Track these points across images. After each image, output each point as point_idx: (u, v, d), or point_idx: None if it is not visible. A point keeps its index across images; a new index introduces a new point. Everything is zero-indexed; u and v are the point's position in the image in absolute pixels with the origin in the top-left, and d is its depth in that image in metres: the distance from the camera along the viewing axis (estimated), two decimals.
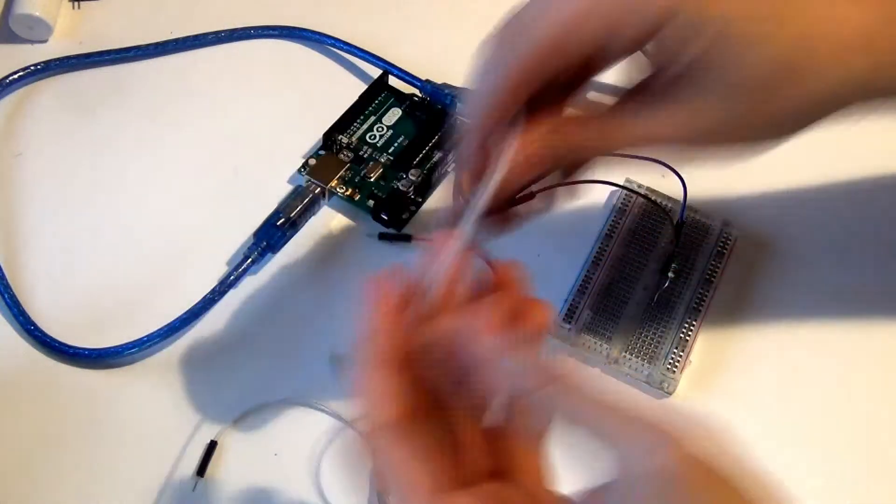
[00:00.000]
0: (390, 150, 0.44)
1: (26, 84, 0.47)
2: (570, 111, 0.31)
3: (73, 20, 0.50)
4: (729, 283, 0.41)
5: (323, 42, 0.49)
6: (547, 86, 0.29)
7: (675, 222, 0.40)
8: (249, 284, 0.41)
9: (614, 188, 0.43)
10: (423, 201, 0.44)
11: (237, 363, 0.39)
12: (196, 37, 0.49)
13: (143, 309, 0.40)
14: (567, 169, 0.32)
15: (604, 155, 0.31)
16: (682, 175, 0.40)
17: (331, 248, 0.42)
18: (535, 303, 0.28)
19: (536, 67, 0.29)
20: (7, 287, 0.40)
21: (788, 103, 0.27)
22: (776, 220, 0.43)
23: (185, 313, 0.39)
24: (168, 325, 0.39)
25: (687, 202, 0.40)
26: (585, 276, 0.40)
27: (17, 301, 0.40)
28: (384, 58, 0.47)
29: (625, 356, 0.38)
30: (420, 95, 0.46)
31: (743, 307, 0.40)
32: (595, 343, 0.39)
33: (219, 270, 0.41)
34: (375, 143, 0.45)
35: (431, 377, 0.27)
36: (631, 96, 0.30)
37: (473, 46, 0.52)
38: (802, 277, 0.41)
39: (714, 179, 0.39)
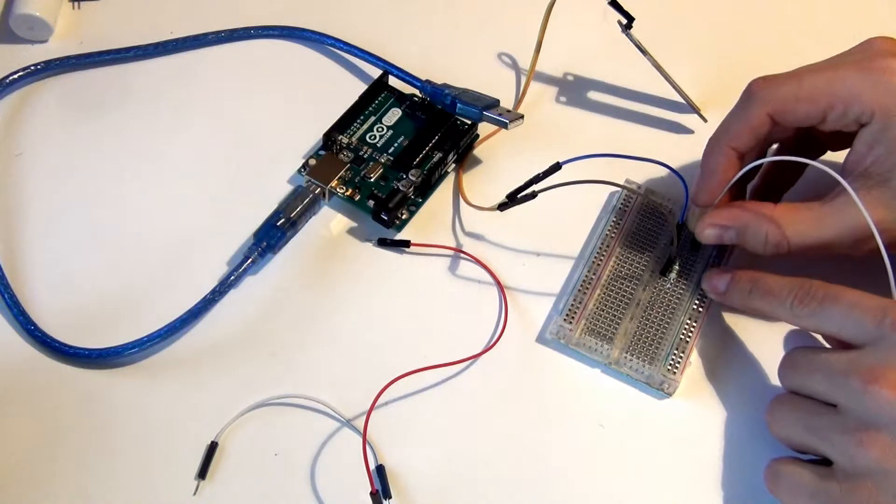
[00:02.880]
0: (390, 151, 0.44)
1: (26, 84, 0.47)
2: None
3: (73, 20, 0.50)
4: None
5: (323, 42, 0.49)
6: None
7: (675, 222, 0.40)
8: (249, 284, 0.41)
9: (614, 190, 0.43)
10: (423, 201, 0.44)
11: (237, 363, 0.39)
12: (196, 37, 0.49)
13: (143, 309, 0.40)
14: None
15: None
16: (683, 176, 0.40)
17: (331, 248, 0.42)
18: None
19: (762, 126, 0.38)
20: (7, 287, 0.40)
21: None
22: None
23: (185, 313, 0.39)
24: (168, 325, 0.39)
25: (687, 202, 0.40)
26: (585, 276, 0.40)
27: (17, 301, 0.40)
28: (384, 58, 0.47)
29: (625, 356, 0.38)
30: (420, 95, 0.46)
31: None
32: (595, 343, 0.39)
33: (219, 270, 0.41)
34: (375, 144, 0.45)
35: None
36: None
37: (473, 46, 0.52)
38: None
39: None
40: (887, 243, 0.35)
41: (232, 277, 0.40)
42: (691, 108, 0.46)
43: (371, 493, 0.35)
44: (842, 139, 0.37)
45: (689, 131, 0.46)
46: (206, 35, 0.49)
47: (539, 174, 0.38)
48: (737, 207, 0.38)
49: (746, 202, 0.39)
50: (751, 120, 0.38)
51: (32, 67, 0.47)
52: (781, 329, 0.39)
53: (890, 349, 0.32)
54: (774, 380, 0.38)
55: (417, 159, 0.43)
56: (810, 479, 0.33)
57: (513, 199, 0.39)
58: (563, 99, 0.48)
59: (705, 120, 0.46)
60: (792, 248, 0.37)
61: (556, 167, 0.38)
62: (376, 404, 0.37)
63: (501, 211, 0.39)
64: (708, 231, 0.39)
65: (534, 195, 0.39)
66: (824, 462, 0.33)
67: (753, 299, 0.37)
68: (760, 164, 0.39)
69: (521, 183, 0.38)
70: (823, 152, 0.41)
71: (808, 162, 0.37)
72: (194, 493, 0.36)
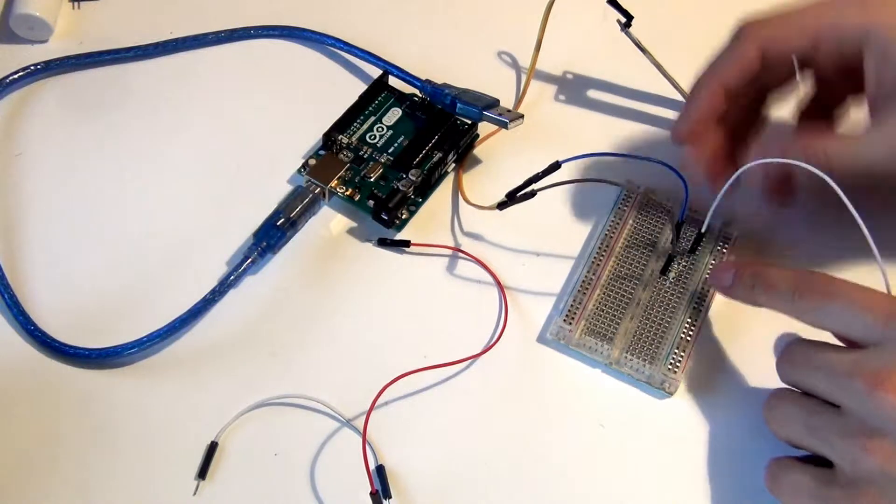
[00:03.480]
0: (390, 150, 0.44)
1: (26, 84, 0.47)
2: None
3: (73, 20, 0.50)
4: None
5: (323, 42, 0.49)
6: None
7: (675, 222, 0.40)
8: (249, 284, 0.41)
9: (614, 188, 0.43)
10: (423, 201, 0.44)
11: (237, 363, 0.39)
12: (196, 37, 0.49)
13: (143, 309, 0.40)
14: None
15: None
16: (683, 175, 0.40)
17: (331, 248, 0.42)
18: None
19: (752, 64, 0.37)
20: (7, 287, 0.40)
21: None
22: (776, 220, 0.43)
23: (185, 313, 0.39)
24: (168, 325, 0.39)
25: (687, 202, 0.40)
26: (586, 275, 0.40)
27: (17, 301, 0.40)
28: (384, 58, 0.47)
29: (625, 356, 0.38)
30: (420, 95, 0.46)
31: (743, 307, 0.40)
32: (595, 343, 0.39)
33: (219, 270, 0.41)
34: (375, 143, 0.45)
35: None
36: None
37: (473, 47, 0.52)
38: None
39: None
40: None
41: (232, 277, 0.40)
42: None
43: (371, 493, 0.35)
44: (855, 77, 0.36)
45: None
46: (206, 35, 0.49)
47: (538, 173, 0.38)
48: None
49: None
50: (740, 55, 0.37)
51: (32, 67, 0.47)
52: (782, 328, 0.39)
53: None
54: (775, 379, 0.38)
55: (417, 159, 0.43)
56: (811, 482, 0.33)
57: (512, 199, 0.39)
58: (562, 98, 0.48)
59: None
60: (834, 169, 0.34)
61: (556, 166, 0.38)
62: (376, 404, 0.37)
63: (501, 210, 0.39)
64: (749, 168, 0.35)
65: (533, 194, 0.39)
66: (824, 461, 0.33)
67: (757, 294, 0.36)
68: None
69: (521, 182, 0.38)
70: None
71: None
72: (194, 493, 0.36)
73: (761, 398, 0.37)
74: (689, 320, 0.39)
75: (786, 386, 0.35)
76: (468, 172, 0.45)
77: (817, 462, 0.33)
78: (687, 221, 0.41)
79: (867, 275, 0.34)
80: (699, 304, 0.40)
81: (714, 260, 0.41)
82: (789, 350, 0.35)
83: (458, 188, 0.44)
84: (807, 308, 0.34)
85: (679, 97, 0.46)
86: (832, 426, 0.32)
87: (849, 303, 0.33)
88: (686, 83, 0.46)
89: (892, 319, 0.32)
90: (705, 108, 0.38)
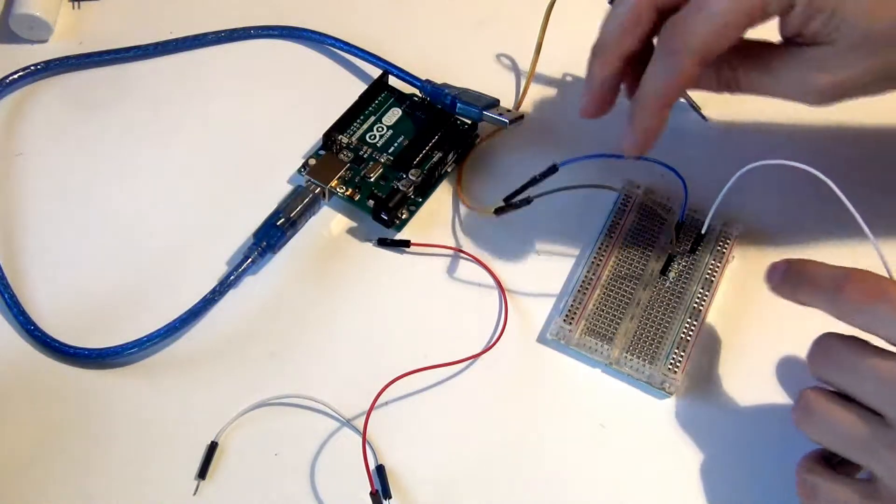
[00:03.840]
0: (390, 150, 0.44)
1: (26, 84, 0.47)
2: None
3: (73, 20, 0.50)
4: (729, 283, 0.41)
5: (323, 42, 0.49)
6: None
7: (675, 222, 0.40)
8: (249, 284, 0.41)
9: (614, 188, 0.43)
10: (423, 201, 0.44)
11: (237, 363, 0.39)
12: (196, 37, 0.49)
13: (143, 309, 0.40)
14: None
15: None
16: (683, 175, 0.40)
17: (331, 248, 0.42)
18: None
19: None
20: (7, 287, 0.40)
21: None
22: (777, 220, 0.43)
23: (185, 313, 0.39)
24: (168, 325, 0.39)
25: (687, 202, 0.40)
26: (586, 275, 0.40)
27: (17, 301, 0.40)
28: (384, 58, 0.47)
29: (625, 356, 0.38)
30: (420, 95, 0.46)
31: (743, 307, 0.40)
32: (595, 343, 0.39)
33: (219, 270, 0.41)
34: (375, 143, 0.45)
35: None
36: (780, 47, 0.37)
37: (473, 47, 0.52)
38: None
39: (714, 180, 0.39)
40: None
41: (232, 277, 0.40)
42: (692, 106, 0.46)
43: (371, 493, 0.35)
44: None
45: (689, 131, 0.46)
46: (206, 35, 0.49)
47: (536, 176, 0.38)
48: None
49: None
50: (634, 21, 0.35)
51: (32, 67, 0.47)
52: (782, 328, 0.39)
53: None
54: (776, 378, 0.38)
55: (417, 159, 0.43)
56: (853, 496, 0.31)
57: (509, 204, 0.39)
58: (563, 98, 0.48)
59: (706, 119, 0.46)
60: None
61: (553, 169, 0.38)
62: (376, 404, 0.37)
63: (498, 215, 0.39)
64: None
65: (529, 201, 0.39)
66: (852, 465, 0.32)
67: (799, 292, 0.33)
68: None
69: (520, 185, 0.38)
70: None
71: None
72: (194, 493, 0.36)
73: (761, 398, 0.37)
74: (689, 320, 0.39)
75: (815, 382, 0.33)
76: (468, 172, 0.45)
77: (843, 464, 0.32)
78: (687, 221, 0.41)
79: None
80: (699, 304, 0.40)
81: (714, 260, 0.41)
82: (827, 346, 0.32)
83: (457, 189, 0.44)
84: (850, 309, 0.31)
85: (679, 97, 0.46)
86: (881, 437, 0.30)
87: None
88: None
89: None
90: (607, 83, 0.37)
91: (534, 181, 0.38)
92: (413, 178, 0.43)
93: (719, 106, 0.46)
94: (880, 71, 0.35)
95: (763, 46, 0.37)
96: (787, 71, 0.36)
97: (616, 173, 0.42)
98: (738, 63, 0.37)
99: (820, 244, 0.42)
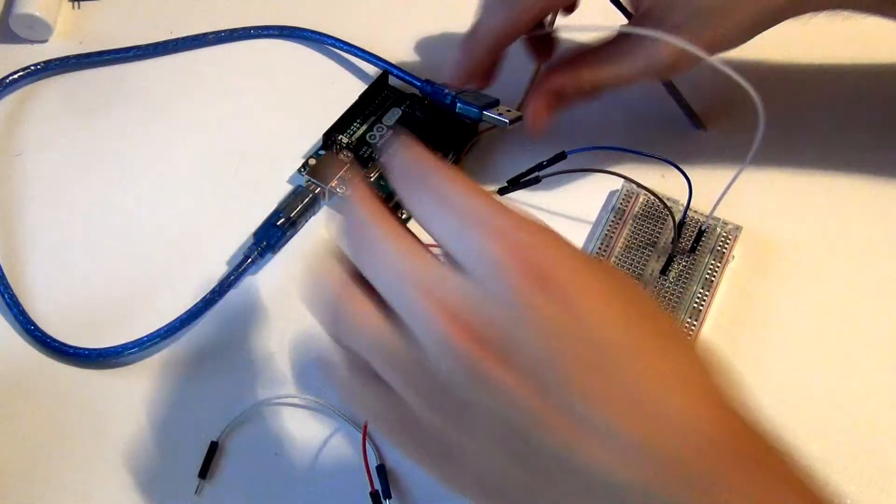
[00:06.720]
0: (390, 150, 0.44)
1: (26, 84, 0.47)
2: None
3: (73, 20, 0.50)
4: (729, 283, 0.41)
5: (323, 42, 0.49)
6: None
7: (676, 222, 0.40)
8: (249, 284, 0.41)
9: (614, 188, 0.43)
10: None
11: (237, 363, 0.39)
12: (196, 37, 0.49)
13: (143, 309, 0.40)
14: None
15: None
16: (687, 174, 0.40)
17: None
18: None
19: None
20: (7, 287, 0.40)
21: (733, 22, 0.37)
22: (777, 220, 0.43)
23: (185, 313, 0.39)
24: (168, 325, 0.39)
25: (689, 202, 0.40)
26: None
27: (17, 301, 0.40)
28: (384, 58, 0.47)
29: None
30: (420, 95, 0.46)
31: (744, 307, 0.40)
32: None
33: (219, 270, 0.41)
34: (375, 143, 0.45)
35: None
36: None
37: None
38: (803, 277, 0.41)
39: (715, 179, 0.39)
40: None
41: (232, 277, 0.40)
42: (693, 123, 0.46)
43: (371, 493, 0.35)
44: None
45: (691, 130, 0.46)
46: (206, 35, 0.49)
47: (543, 162, 0.38)
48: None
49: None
50: (510, 18, 0.39)
51: (32, 67, 0.47)
52: (782, 328, 0.39)
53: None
54: (776, 378, 0.38)
55: None
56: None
57: (514, 185, 0.39)
58: None
59: (705, 128, 0.46)
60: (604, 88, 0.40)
61: (562, 156, 0.38)
62: None
63: (501, 196, 0.39)
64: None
65: (538, 180, 0.39)
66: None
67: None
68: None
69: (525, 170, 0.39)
70: None
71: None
72: (195, 493, 0.36)
73: (762, 397, 0.37)
74: (689, 320, 0.39)
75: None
76: (468, 172, 0.45)
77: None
78: (688, 221, 0.41)
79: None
80: (699, 304, 0.40)
81: (714, 260, 0.41)
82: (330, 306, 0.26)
83: None
84: (415, 200, 0.26)
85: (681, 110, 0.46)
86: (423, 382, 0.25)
87: (461, 212, 0.25)
88: (686, 82, 0.46)
89: (495, 245, 0.24)
90: (480, 64, 0.40)
91: (541, 166, 0.38)
92: None
93: (718, 111, 0.46)
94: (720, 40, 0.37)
95: (601, 46, 0.40)
96: (631, 57, 0.38)
97: (620, 170, 0.42)
98: (586, 69, 0.40)
99: (822, 241, 0.42)
